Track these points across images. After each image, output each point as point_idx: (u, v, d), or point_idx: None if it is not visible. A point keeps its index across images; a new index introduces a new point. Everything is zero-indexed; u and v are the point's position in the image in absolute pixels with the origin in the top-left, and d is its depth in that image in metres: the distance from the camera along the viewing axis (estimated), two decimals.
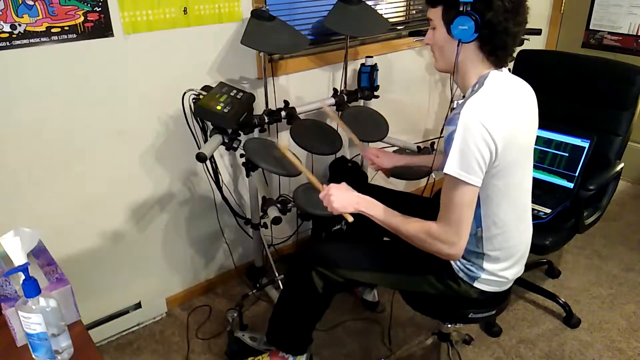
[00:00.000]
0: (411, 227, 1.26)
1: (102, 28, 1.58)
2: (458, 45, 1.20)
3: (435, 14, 1.22)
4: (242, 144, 1.76)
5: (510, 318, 2.05)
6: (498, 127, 1.12)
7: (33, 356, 0.95)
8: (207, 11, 1.79)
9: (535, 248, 1.42)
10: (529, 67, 2.14)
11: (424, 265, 1.37)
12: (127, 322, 1.98)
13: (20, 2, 1.41)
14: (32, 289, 0.90)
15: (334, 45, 2.26)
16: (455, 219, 1.18)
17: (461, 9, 1.15)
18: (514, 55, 1.25)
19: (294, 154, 1.56)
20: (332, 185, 1.36)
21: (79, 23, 1.53)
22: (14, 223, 1.02)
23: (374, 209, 1.32)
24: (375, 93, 2.25)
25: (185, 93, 1.73)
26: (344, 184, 1.38)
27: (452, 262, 1.34)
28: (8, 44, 1.43)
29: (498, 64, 1.23)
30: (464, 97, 1.33)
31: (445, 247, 1.21)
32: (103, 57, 1.62)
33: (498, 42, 1.18)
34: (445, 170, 1.14)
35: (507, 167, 1.18)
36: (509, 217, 1.27)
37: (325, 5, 2.15)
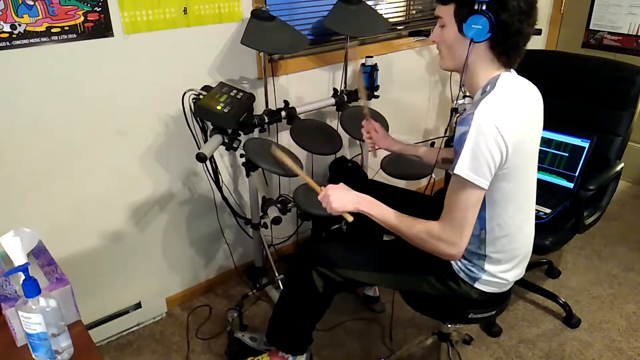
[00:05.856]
0: (412, 227, 1.26)
1: (102, 28, 1.58)
2: (470, 44, 1.18)
3: (447, 12, 1.20)
4: (242, 144, 1.76)
5: (510, 318, 2.05)
6: (510, 130, 1.12)
7: (33, 356, 0.95)
8: (207, 11, 1.79)
9: (535, 248, 1.42)
10: (529, 67, 2.12)
11: (425, 266, 1.36)
12: (127, 322, 1.98)
13: (20, 2, 1.41)
14: (32, 289, 0.90)
15: (334, 45, 2.26)
16: (459, 220, 1.18)
17: (476, 7, 1.13)
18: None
19: (294, 155, 1.56)
20: (330, 186, 1.35)
21: (79, 23, 1.53)
22: (14, 223, 1.02)
23: (374, 208, 1.32)
24: (375, 93, 2.25)
25: (185, 93, 1.73)
26: (342, 184, 1.37)
27: (452, 263, 1.34)
28: (8, 44, 1.43)
29: (508, 64, 1.22)
30: (465, 96, 1.32)
31: (446, 246, 1.21)
32: (103, 57, 1.62)
33: (511, 42, 1.17)
34: (455, 171, 1.13)
35: (515, 169, 1.18)
36: (514, 220, 1.27)
37: (325, 5, 2.15)
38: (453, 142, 1.20)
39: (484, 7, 1.12)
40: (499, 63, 1.22)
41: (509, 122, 1.13)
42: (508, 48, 1.19)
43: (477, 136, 1.10)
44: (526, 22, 1.15)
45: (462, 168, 1.13)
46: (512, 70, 1.26)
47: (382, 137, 1.69)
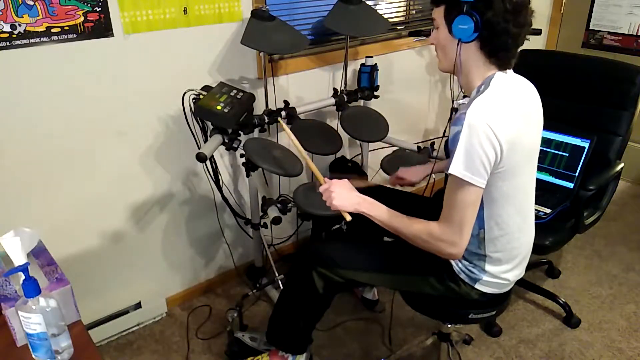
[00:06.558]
0: (412, 228, 1.26)
1: (102, 28, 1.58)
2: (458, 44, 1.19)
3: (439, 14, 1.23)
4: (242, 144, 1.76)
5: (510, 318, 2.05)
6: (504, 128, 1.12)
7: (33, 356, 0.95)
8: (207, 11, 1.79)
9: (535, 248, 1.42)
10: (529, 67, 2.12)
11: (425, 267, 1.36)
12: (127, 322, 1.98)
13: (20, 2, 1.41)
14: (32, 289, 0.90)
15: (334, 45, 2.26)
16: (458, 219, 1.18)
17: (462, 8, 1.15)
18: (516, 57, 1.24)
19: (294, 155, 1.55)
20: (334, 181, 1.35)
21: (79, 23, 1.53)
22: (14, 223, 1.02)
23: (375, 210, 1.31)
24: (375, 93, 2.25)
25: (185, 93, 1.73)
26: (346, 181, 1.37)
27: (453, 264, 1.34)
28: (8, 44, 1.43)
29: (501, 65, 1.22)
30: (464, 97, 1.33)
31: (446, 246, 1.21)
32: (103, 57, 1.62)
33: (498, 43, 1.17)
34: (450, 171, 1.14)
35: (512, 169, 1.18)
36: (512, 219, 1.27)
37: (325, 5, 2.15)
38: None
39: (469, 8, 1.14)
40: (491, 64, 1.22)
41: (502, 120, 1.13)
42: (496, 48, 1.19)
43: (470, 135, 1.11)
44: (512, 22, 1.15)
45: (457, 168, 1.13)
46: (509, 70, 1.25)
47: (412, 175, 1.76)
